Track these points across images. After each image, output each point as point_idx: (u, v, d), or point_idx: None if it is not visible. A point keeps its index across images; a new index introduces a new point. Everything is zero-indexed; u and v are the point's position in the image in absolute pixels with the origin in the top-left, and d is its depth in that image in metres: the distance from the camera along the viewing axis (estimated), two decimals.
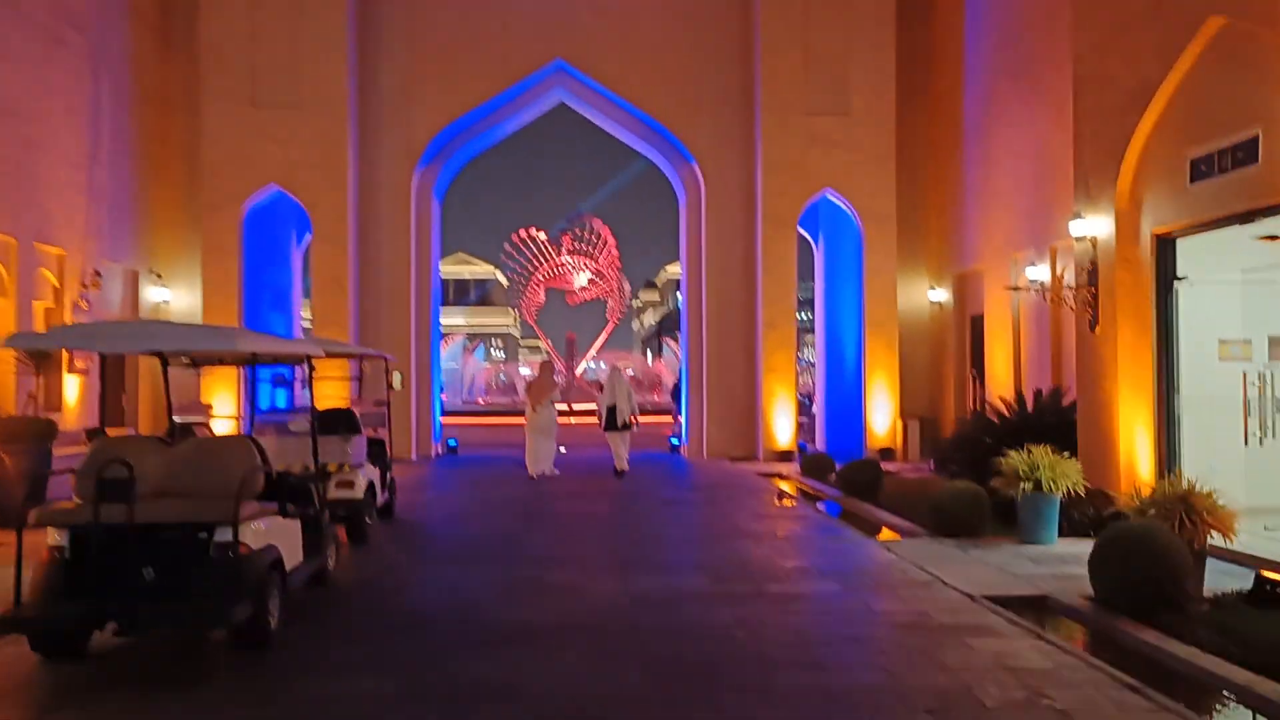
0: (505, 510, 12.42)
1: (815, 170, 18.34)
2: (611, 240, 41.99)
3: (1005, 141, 15.83)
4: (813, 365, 22.10)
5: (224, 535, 5.96)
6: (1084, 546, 9.32)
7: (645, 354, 72.77)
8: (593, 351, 45.49)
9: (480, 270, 76.14)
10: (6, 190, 13.53)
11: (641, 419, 31.85)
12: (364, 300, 19.01)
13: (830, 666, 5.83)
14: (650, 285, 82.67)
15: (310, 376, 7.79)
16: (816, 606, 7.37)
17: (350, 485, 9.84)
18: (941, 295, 18.68)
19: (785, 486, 15.24)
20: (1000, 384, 15.98)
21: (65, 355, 15.11)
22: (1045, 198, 14.49)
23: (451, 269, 78.21)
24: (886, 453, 18.03)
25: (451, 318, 70.24)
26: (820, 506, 13.11)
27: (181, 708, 5.21)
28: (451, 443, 20.41)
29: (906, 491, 13.22)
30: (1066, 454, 9.92)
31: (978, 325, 17.55)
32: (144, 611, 5.82)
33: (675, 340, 51.00)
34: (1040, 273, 14.55)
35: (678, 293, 79.56)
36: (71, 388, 15.08)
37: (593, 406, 19.68)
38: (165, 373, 7.76)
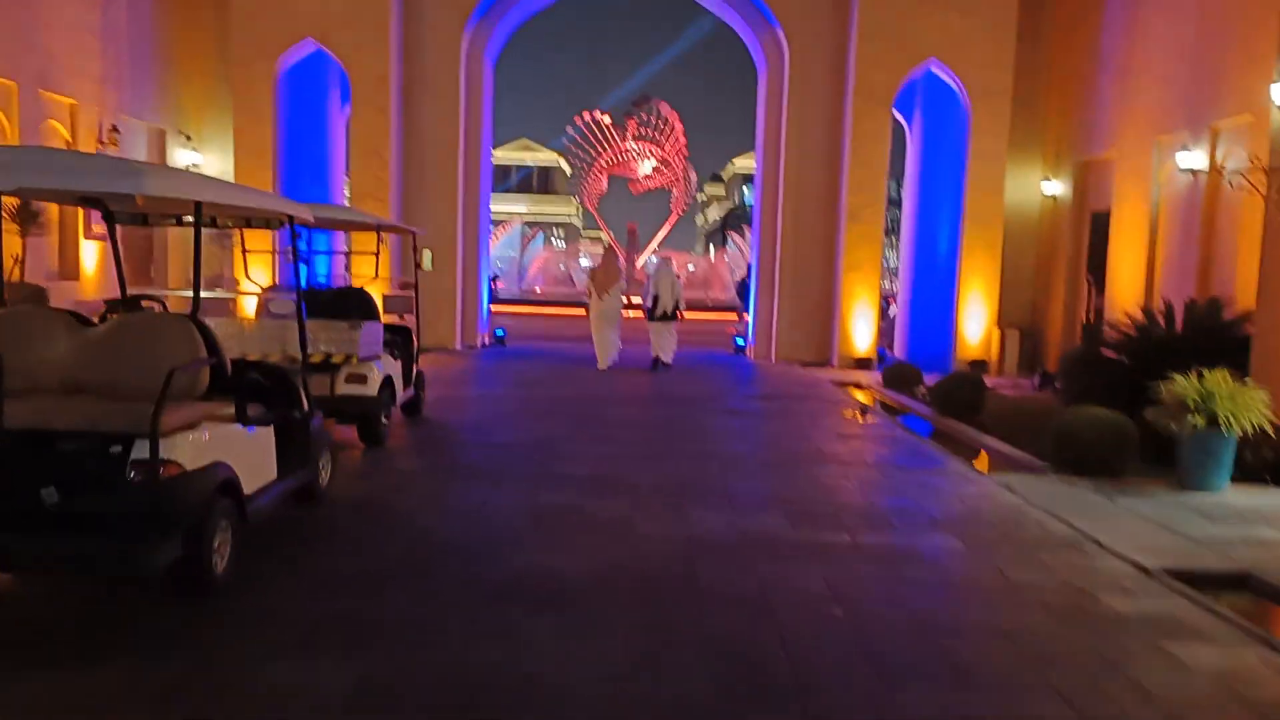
0: (549, 413, 10.74)
1: (919, 37, 15.58)
2: (679, 127, 39.21)
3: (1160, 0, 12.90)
4: (897, 264, 19.75)
5: (141, 451, 4.31)
6: (1265, 498, 7.32)
7: (708, 250, 70.20)
8: (655, 244, 43.30)
9: (543, 157, 73.50)
10: (1, 26, 11.79)
11: (704, 315, 29.94)
12: (408, 174, 17.13)
13: (980, 682, 4.01)
14: (716, 179, 79.21)
15: (295, 245, 5.99)
16: (935, 572, 5.52)
17: (362, 380, 8.19)
18: (1057, 188, 16.04)
19: (865, 398, 13.28)
20: (1126, 293, 13.56)
21: (81, 216, 13.67)
22: (1208, 67, 11.73)
23: (513, 154, 75.81)
24: (979, 365, 15.83)
25: (513, 205, 68.22)
26: (909, 425, 11.15)
27: (55, 686, 3.65)
28: (500, 333, 18.78)
29: (1013, 413, 11.20)
30: (1246, 379, 7.78)
31: (1099, 224, 14.97)
32: (37, 548, 4.25)
33: (742, 235, 48.38)
34: (1194, 159, 11.94)
35: (744, 187, 76.51)
36: (90, 254, 13.67)
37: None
38: (111, 228, 6.03)
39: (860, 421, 11.07)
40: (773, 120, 17.24)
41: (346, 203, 16.47)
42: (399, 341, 9.66)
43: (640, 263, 41.82)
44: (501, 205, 67.61)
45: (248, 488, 5.04)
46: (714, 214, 78.99)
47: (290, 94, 16.78)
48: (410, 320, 10.27)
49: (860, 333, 16.31)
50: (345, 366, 8.09)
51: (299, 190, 16.88)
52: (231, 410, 5.05)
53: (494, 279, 40.38)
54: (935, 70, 15.85)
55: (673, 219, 42.45)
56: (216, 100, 16.67)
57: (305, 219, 6.06)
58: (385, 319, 10.93)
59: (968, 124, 15.78)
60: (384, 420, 8.53)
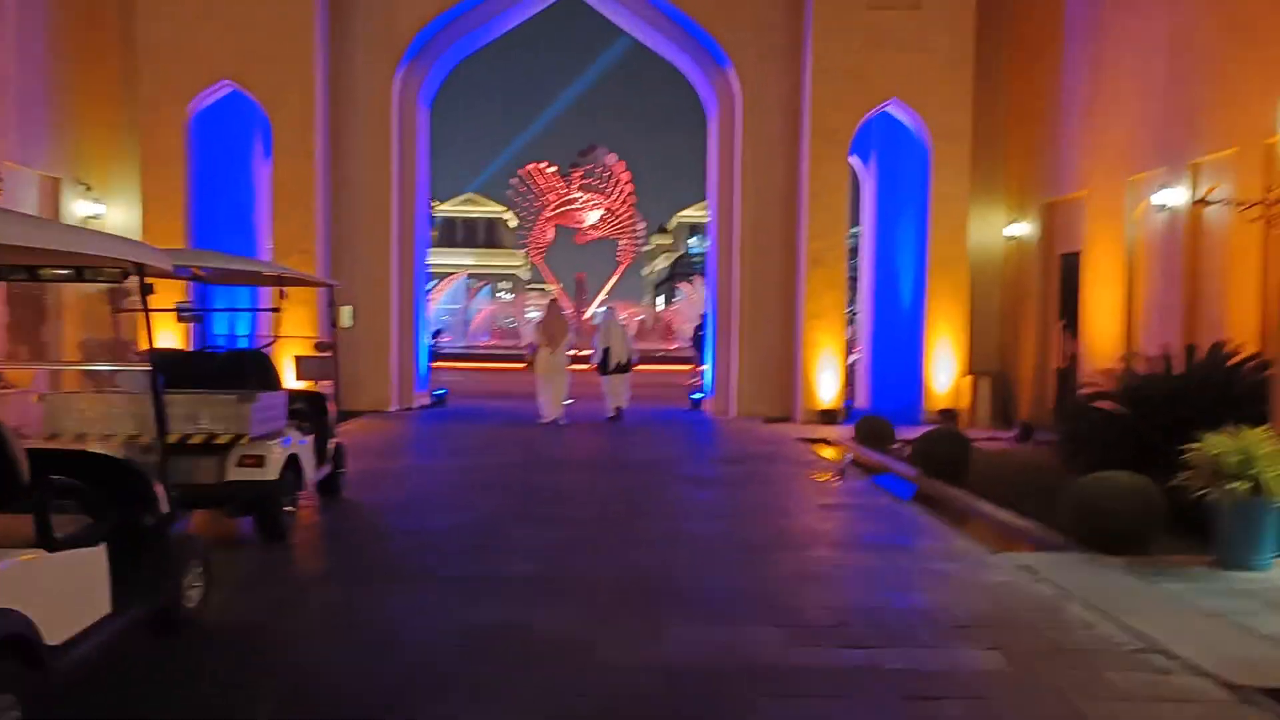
0: (491, 486, 9.31)
1: (877, 77, 14.82)
2: (625, 176, 38.45)
3: (1127, 34, 12.28)
4: (854, 311, 18.87)
5: None
6: None
7: (655, 300, 69.57)
8: (603, 294, 42.25)
9: (490, 210, 72.52)
10: None
11: (656, 368, 28.81)
12: (337, 225, 15.71)
13: None
14: (662, 230, 78.94)
15: (144, 300, 4.58)
16: (984, 709, 4.23)
17: (258, 462, 6.71)
18: (1022, 229, 15.28)
19: (836, 455, 12.11)
20: (1103, 337, 12.71)
21: None
22: (1183, 102, 11.04)
23: (460, 209, 74.73)
24: (949, 415, 14.83)
25: (459, 258, 66.88)
26: (891, 489, 9.96)
27: None
28: (439, 392, 17.29)
29: (1002, 472, 10.10)
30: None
31: (1069, 265, 14.19)
32: None
33: (691, 284, 47.69)
34: (1173, 196, 11.18)
35: (691, 238, 76.38)
36: None
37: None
38: None
39: (839, 487, 9.84)
40: (725, 164, 16.30)
41: (270, 257, 14.96)
42: (312, 411, 8.21)
43: (588, 314, 40.68)
44: (447, 258, 66.23)
45: (56, 634, 3.58)
46: (661, 264, 78.60)
47: (207, 141, 15.34)
48: (329, 385, 8.84)
49: (825, 385, 15.23)
50: (237, 447, 6.61)
51: (216, 242, 15.33)
52: (29, 528, 3.60)
53: (438, 333, 38.91)
54: (894, 111, 15.08)
55: (621, 269, 41.51)
56: (123, 148, 15.10)
57: (160, 268, 4.67)
58: (306, 384, 9.49)
59: (928, 166, 15.00)
60: (288, 509, 7.04)
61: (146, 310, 4.62)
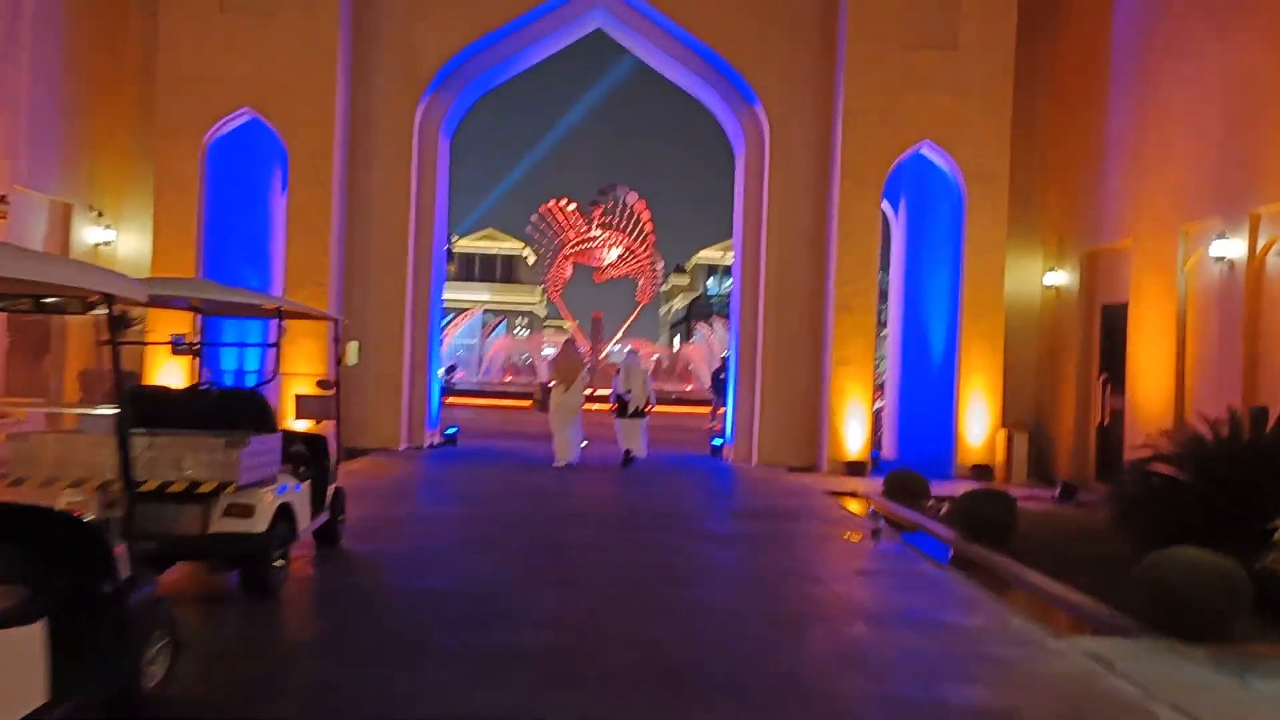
0: (499, 541, 8.65)
1: (910, 118, 14.33)
2: (646, 214, 38.13)
3: (1178, 77, 11.73)
4: (882, 357, 18.21)
5: None
6: None
7: (673, 341, 69.04)
8: (620, 333, 41.73)
9: (508, 246, 72.55)
10: None
11: (673, 409, 28.16)
12: (351, 257, 15.28)
13: None
14: (680, 270, 78.63)
15: (113, 331, 4.02)
16: None
17: (246, 513, 6.11)
18: (1061, 278, 14.63)
19: (863, 511, 11.37)
20: (1152, 394, 11.98)
21: None
22: (1243, 148, 10.44)
23: (479, 244, 74.84)
24: (983, 470, 14.09)
25: (476, 293, 66.72)
26: (930, 552, 9.21)
27: None
28: (451, 431, 16.69)
29: (1050, 538, 9.35)
30: None
31: (1112, 317, 13.51)
32: None
33: (709, 325, 47.13)
34: (1231, 247, 10.53)
35: (709, 279, 76.03)
36: None
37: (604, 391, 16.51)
38: None
39: (872, 549, 9.11)
40: (752, 203, 15.79)
41: (282, 289, 14.52)
42: (310, 455, 7.62)
43: (604, 353, 40.18)
44: (464, 294, 66.12)
45: None
46: (679, 304, 78.19)
47: (225, 170, 15.00)
48: (330, 426, 8.25)
49: (852, 434, 14.52)
50: (223, 496, 6.00)
51: (228, 271, 14.92)
52: None
53: (452, 368, 38.44)
54: (928, 153, 14.56)
55: (639, 308, 41.06)
56: (137, 174, 14.78)
57: (132, 298, 4.11)
58: (306, 423, 8.93)
59: (963, 211, 14.42)
60: (278, 563, 6.41)
61: (115, 343, 4.05)
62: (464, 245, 75.13)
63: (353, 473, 12.52)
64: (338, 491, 8.10)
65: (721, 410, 21.14)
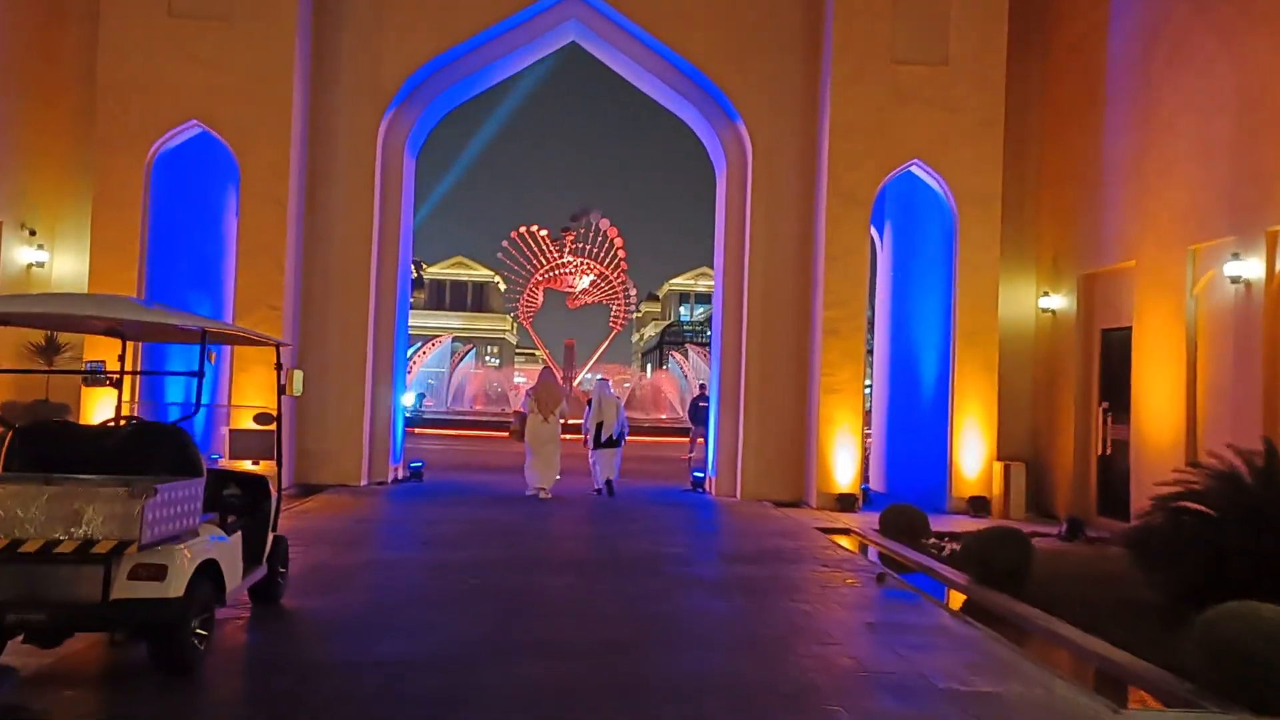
0: (464, 595, 7.62)
1: (900, 135, 13.67)
2: (619, 242, 37.40)
3: (1184, 92, 11.14)
4: (868, 386, 17.44)
5: None
6: None
7: (645, 368, 68.25)
8: (592, 361, 40.80)
9: (479, 274, 71.55)
10: None
11: (646, 439, 27.23)
12: (309, 279, 14.24)
13: None
14: (652, 297, 78.14)
15: None
16: None
17: (157, 574, 5.05)
18: (1058, 302, 13.96)
19: (857, 549, 10.47)
20: (1159, 422, 11.27)
21: None
22: (1257, 165, 9.82)
23: (449, 271, 73.83)
24: (979, 503, 13.29)
25: (446, 320, 65.55)
26: (936, 598, 8.31)
27: None
28: (415, 465, 15.58)
29: (1063, 581, 8.52)
30: None
31: (1113, 343, 12.84)
32: None
33: (683, 354, 46.38)
34: (1247, 268, 9.87)
35: (682, 306, 75.65)
36: None
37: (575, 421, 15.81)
38: None
39: (879, 597, 8.19)
40: (734, 224, 15.00)
41: (231, 313, 13.43)
42: (244, 501, 6.57)
43: (576, 381, 39.16)
44: (434, 320, 64.90)
45: None
46: (650, 332, 77.52)
47: (173, 187, 13.93)
48: (270, 467, 7.20)
49: (842, 466, 13.66)
50: (126, 556, 4.94)
51: (176, 296, 13.80)
52: None
53: (420, 398, 37.25)
54: (918, 172, 13.89)
55: (612, 335, 40.16)
56: (76, 191, 13.66)
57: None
58: (239, 464, 7.87)
59: (954, 232, 13.74)
60: (200, 631, 5.34)
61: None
62: (434, 272, 74.06)
63: (306, 513, 11.41)
64: (279, 541, 7.03)
65: (701, 440, 20.22)
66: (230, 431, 7.16)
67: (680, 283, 76.13)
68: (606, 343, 40.31)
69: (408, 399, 35.14)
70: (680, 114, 15.84)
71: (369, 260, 14.38)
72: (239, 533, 6.15)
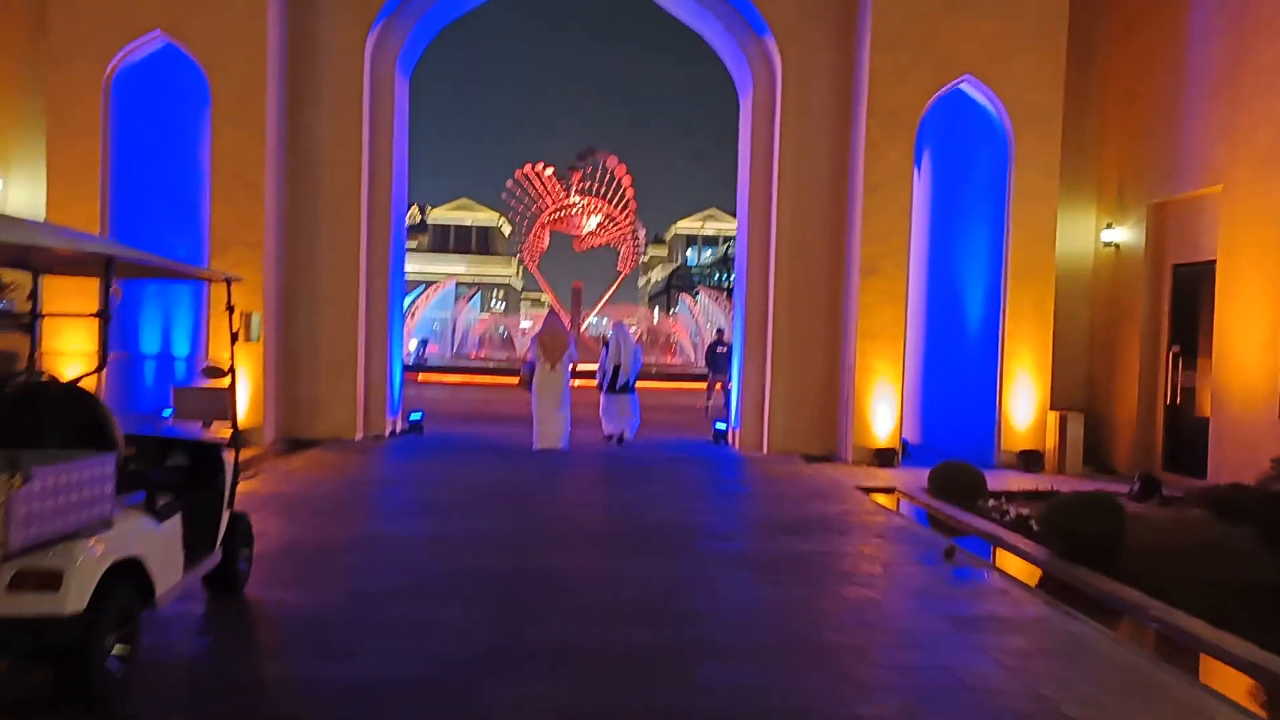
0: (463, 580, 6.32)
1: (949, 48, 12.00)
2: (627, 179, 35.55)
3: None
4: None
5: None
6: None
7: (653, 311, 66.83)
8: (600, 304, 39.30)
9: (483, 217, 69.61)
10: None
11: (658, 385, 25.93)
12: (293, 214, 12.74)
13: None
14: (659, 240, 76.14)
15: None
16: None
17: (48, 583, 3.73)
18: (1121, 235, 12.42)
19: (904, 513, 9.16)
20: (1247, 369, 9.85)
21: None
22: None
23: (453, 214, 71.87)
24: (1031, 457, 11.97)
25: (450, 265, 63.86)
26: (1018, 580, 7.00)
27: None
28: (415, 416, 14.26)
29: (1159, 552, 7.24)
30: None
31: (1188, 278, 11.35)
32: None
33: (692, 297, 44.77)
34: None
35: (689, 249, 73.77)
36: None
37: (594, 367, 14.58)
38: None
39: (953, 578, 6.88)
40: (761, 153, 13.39)
41: (207, 250, 11.96)
42: (195, 472, 5.26)
43: (584, 325, 37.73)
44: (438, 265, 63.20)
45: None
46: (658, 276, 75.76)
47: (141, 110, 12.36)
48: (222, 430, 5.85)
49: (881, 418, 12.30)
50: (5, 562, 3.61)
51: (145, 231, 12.33)
52: None
53: (424, 343, 35.89)
54: (969, 89, 12.22)
55: (621, 278, 38.59)
56: (28, 113, 12.11)
57: None
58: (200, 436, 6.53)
59: (1009, 157, 12.14)
60: (114, 654, 4.04)
61: None
62: (438, 216, 72.06)
63: (291, 474, 10.13)
64: (237, 520, 5.72)
65: (719, 387, 18.91)
66: (175, 389, 5.76)
67: (687, 225, 74.15)
68: (615, 286, 38.73)
69: (410, 345, 33.85)
70: (701, 29, 14.09)
71: (359, 191, 12.84)
72: (178, 515, 4.81)
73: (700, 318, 39.54)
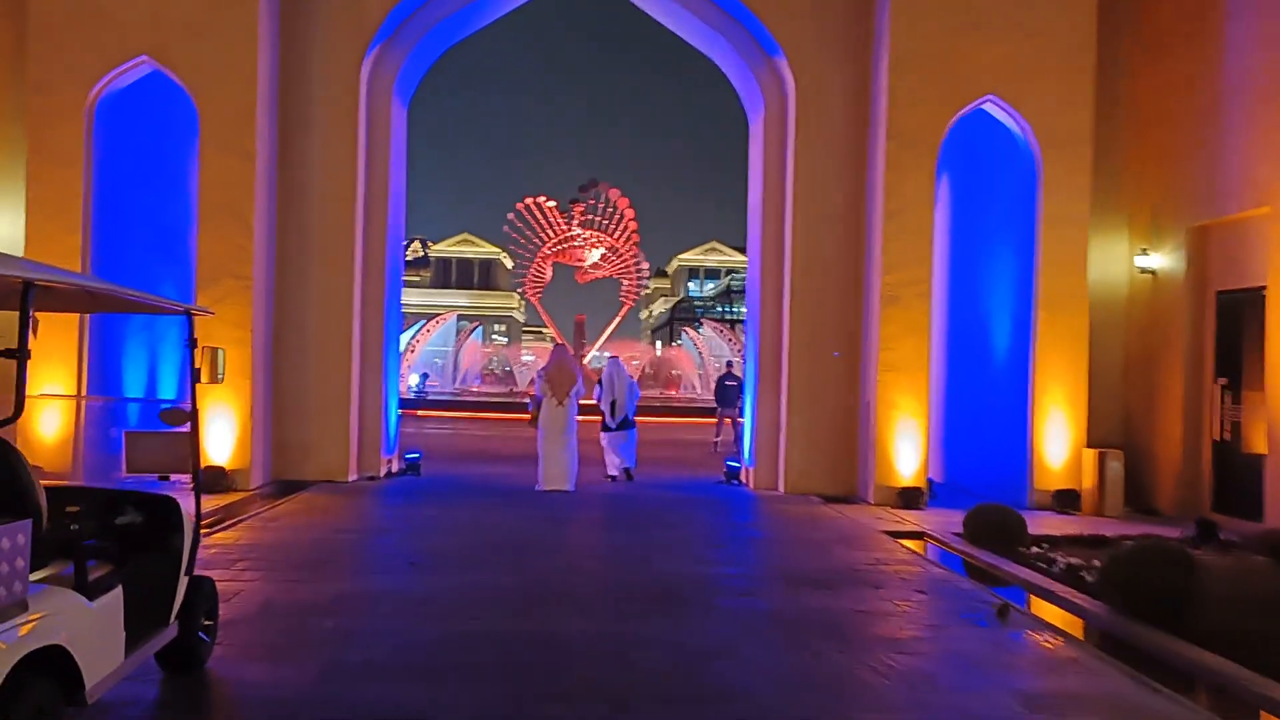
0: (458, 650, 5.54)
1: (971, 67, 11.43)
2: (630, 212, 35.10)
3: None
4: None
5: None
6: None
7: (654, 345, 66.21)
8: (603, 338, 38.66)
9: (485, 250, 69.36)
10: None
11: (660, 420, 25.20)
12: (285, 246, 12.11)
13: None
14: (660, 273, 75.80)
15: None
16: None
17: None
18: (1158, 260, 11.74)
19: (940, 562, 8.36)
20: None
21: None
22: None
23: (455, 249, 71.70)
24: (1067, 497, 11.19)
25: (452, 299, 63.45)
26: (1088, 645, 6.20)
27: None
28: (412, 456, 13.50)
29: (1230, 606, 6.43)
30: None
31: (1233, 306, 10.65)
32: None
33: (695, 330, 44.20)
34: None
35: (690, 281, 73.43)
36: None
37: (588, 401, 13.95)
38: None
39: (1010, 642, 6.08)
40: (773, 178, 12.78)
41: (194, 284, 11.31)
42: (147, 532, 4.53)
43: (586, 359, 37.06)
44: (440, 299, 62.78)
45: None
46: (659, 308, 75.29)
47: (126, 139, 11.80)
48: (182, 484, 5.11)
49: (904, 456, 11.53)
50: None
51: (130, 266, 11.71)
52: None
53: (425, 377, 35.23)
54: (994, 110, 11.64)
55: (623, 311, 37.99)
56: (8, 141, 11.54)
57: None
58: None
59: (1036, 181, 11.52)
60: None
61: None
62: (440, 250, 71.82)
63: (275, 520, 9.37)
64: (197, 586, 4.97)
65: (729, 422, 18.18)
66: (127, 435, 5.03)
67: (689, 258, 73.85)
68: (618, 319, 38.13)
69: (411, 380, 33.18)
70: (709, 51, 13.57)
71: (353, 222, 12.22)
72: (118, 588, 4.07)
73: (705, 350, 38.91)
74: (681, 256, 74.63)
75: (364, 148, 12.35)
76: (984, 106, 11.59)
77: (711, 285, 70.05)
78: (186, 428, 4.93)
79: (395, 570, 7.55)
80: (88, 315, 10.46)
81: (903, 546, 9.01)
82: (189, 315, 4.95)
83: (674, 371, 41.33)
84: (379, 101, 12.60)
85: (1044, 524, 10.00)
